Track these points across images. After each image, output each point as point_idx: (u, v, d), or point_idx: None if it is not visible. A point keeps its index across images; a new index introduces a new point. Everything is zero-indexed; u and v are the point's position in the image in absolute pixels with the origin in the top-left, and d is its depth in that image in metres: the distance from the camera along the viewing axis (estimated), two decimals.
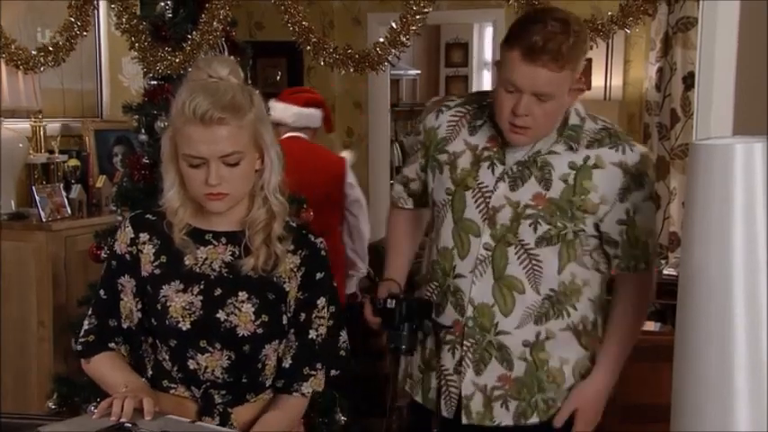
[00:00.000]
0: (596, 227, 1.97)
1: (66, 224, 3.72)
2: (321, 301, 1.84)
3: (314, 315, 1.83)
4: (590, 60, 5.32)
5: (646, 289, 2.07)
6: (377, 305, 2.05)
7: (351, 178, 3.75)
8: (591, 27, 2.56)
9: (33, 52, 3.02)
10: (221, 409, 1.79)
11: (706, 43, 2.57)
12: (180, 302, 1.76)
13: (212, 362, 1.77)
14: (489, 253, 1.97)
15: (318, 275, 1.83)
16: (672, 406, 1.61)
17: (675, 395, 1.62)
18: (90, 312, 1.86)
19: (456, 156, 2.02)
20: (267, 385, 1.84)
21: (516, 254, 1.96)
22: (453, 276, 2.01)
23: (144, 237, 1.81)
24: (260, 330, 1.76)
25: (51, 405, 3.02)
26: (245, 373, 1.79)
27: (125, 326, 1.83)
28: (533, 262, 1.96)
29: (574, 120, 1.98)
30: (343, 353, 1.89)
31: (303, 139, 3.59)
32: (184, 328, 1.75)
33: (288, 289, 1.80)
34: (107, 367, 1.83)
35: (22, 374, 3.63)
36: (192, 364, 1.77)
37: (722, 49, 2.50)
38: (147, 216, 1.84)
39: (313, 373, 1.84)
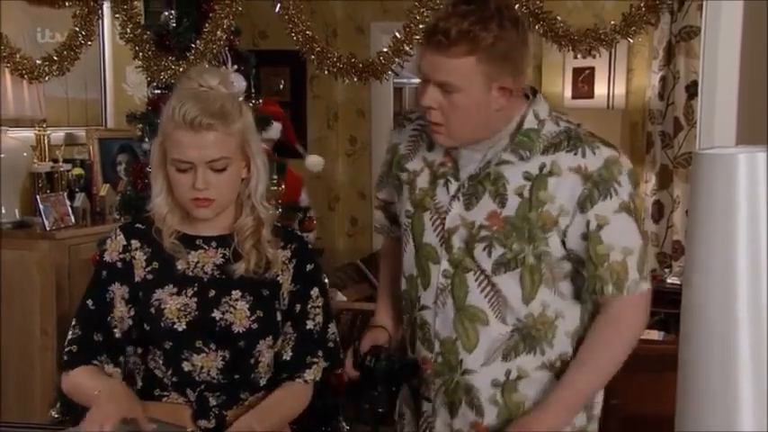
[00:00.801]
0: (564, 245, 1.73)
1: (70, 233, 3.72)
2: (314, 292, 1.88)
3: (309, 305, 1.87)
4: (593, 69, 5.33)
5: (618, 319, 1.75)
6: (358, 358, 1.85)
7: (303, 195, 3.74)
8: (594, 37, 2.57)
9: (38, 61, 3.04)
10: (216, 412, 1.80)
11: (709, 52, 2.58)
12: (175, 304, 1.78)
13: (208, 362, 1.78)
14: (449, 281, 1.77)
15: (309, 267, 1.88)
16: (676, 416, 1.61)
17: (679, 405, 1.62)
18: (74, 323, 1.86)
19: (415, 174, 1.84)
20: (261, 385, 1.85)
21: (477, 281, 1.75)
22: (419, 308, 1.83)
23: (136, 244, 1.84)
24: (255, 326, 1.79)
25: (54, 414, 3.02)
26: (240, 371, 1.81)
27: (117, 336, 1.82)
28: (496, 289, 1.74)
29: (530, 123, 1.74)
30: (331, 344, 1.91)
31: (265, 149, 3.60)
32: (180, 329, 1.77)
33: (281, 281, 1.84)
34: (85, 377, 1.80)
35: (26, 383, 3.63)
36: (186, 366, 1.78)
37: (725, 59, 2.50)
38: (137, 225, 1.88)
39: (315, 360, 1.87)
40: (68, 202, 3.84)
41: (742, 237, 1.52)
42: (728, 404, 1.54)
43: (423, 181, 1.83)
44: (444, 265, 1.77)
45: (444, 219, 1.78)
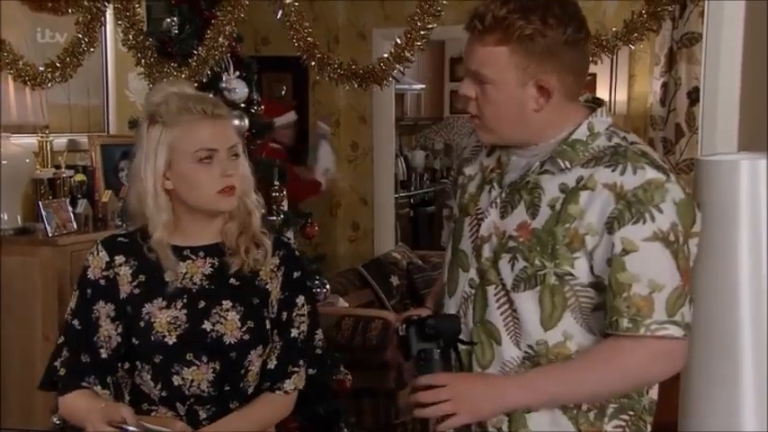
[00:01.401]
0: (592, 270, 1.56)
1: (72, 239, 3.72)
2: (300, 300, 1.88)
3: (294, 314, 1.87)
4: (594, 75, 5.33)
5: (615, 353, 1.55)
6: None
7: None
8: (596, 43, 2.57)
9: (41, 68, 3.04)
10: (207, 425, 1.79)
11: (710, 58, 2.59)
12: (165, 318, 1.77)
13: (198, 375, 1.77)
14: (473, 291, 1.67)
15: (296, 274, 1.88)
16: (679, 417, 1.61)
17: (682, 407, 1.62)
18: (61, 342, 1.83)
19: (470, 179, 1.75)
20: (250, 392, 1.85)
21: (496, 296, 1.63)
22: None
23: (119, 259, 1.82)
24: (246, 337, 1.79)
25: (56, 420, 3.01)
26: (230, 382, 1.80)
27: (104, 356, 1.80)
28: (513, 307, 1.62)
29: (579, 135, 1.61)
30: (319, 351, 1.91)
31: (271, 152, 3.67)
32: (170, 342, 1.76)
33: (270, 289, 1.84)
34: (82, 401, 1.78)
35: (27, 389, 3.63)
36: (176, 380, 1.77)
37: (726, 65, 2.51)
38: (119, 239, 1.86)
39: (296, 369, 1.86)
40: (71, 209, 3.84)
41: (743, 241, 1.53)
42: (731, 406, 1.54)
43: (473, 186, 1.74)
44: (472, 273, 1.68)
45: (480, 225, 1.67)
